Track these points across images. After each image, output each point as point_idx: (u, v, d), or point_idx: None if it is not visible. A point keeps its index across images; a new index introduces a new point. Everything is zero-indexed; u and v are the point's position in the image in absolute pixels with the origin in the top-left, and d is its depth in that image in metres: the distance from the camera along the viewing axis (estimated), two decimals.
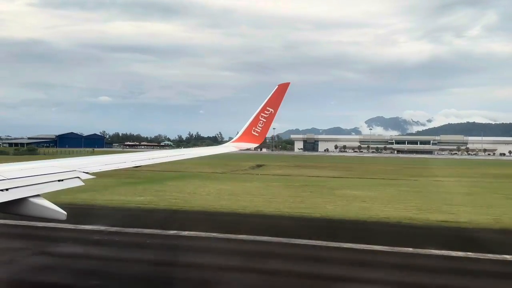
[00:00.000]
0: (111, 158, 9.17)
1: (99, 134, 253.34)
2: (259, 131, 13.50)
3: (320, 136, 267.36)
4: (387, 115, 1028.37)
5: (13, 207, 5.12)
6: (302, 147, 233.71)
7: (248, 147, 13.97)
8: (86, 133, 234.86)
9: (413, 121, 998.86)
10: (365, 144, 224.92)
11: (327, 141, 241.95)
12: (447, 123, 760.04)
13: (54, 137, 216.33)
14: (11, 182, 5.43)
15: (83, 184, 6.36)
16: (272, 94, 13.41)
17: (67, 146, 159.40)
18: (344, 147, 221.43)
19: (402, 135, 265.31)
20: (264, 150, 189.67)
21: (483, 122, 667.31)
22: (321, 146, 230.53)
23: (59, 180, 6.11)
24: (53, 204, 5.30)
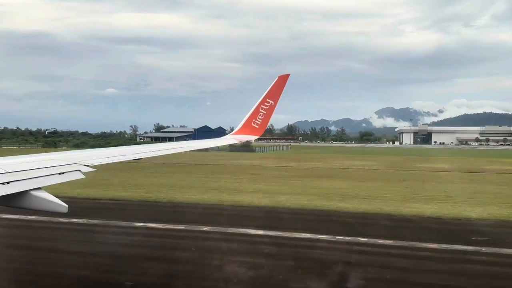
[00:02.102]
0: (111, 151, 9.16)
1: (222, 127, 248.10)
2: (259, 123, 13.46)
3: (434, 128, 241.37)
4: (397, 105, 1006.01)
5: (15, 200, 5.12)
6: (411, 139, 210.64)
7: (248, 139, 13.97)
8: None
9: (424, 112, 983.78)
10: (485, 136, 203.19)
11: (442, 133, 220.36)
12: (462, 114, 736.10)
13: (192, 130, 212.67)
14: (12, 175, 5.43)
15: (83, 177, 6.35)
16: (272, 86, 13.35)
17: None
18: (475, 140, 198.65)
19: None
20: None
21: (498, 112, 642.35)
22: (434, 139, 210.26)
23: (60, 173, 6.10)
24: (54, 197, 5.30)
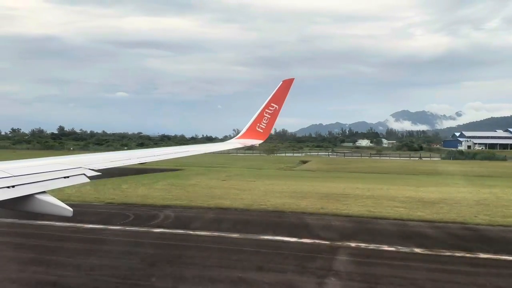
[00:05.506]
0: (115, 155, 9.13)
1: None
2: (263, 127, 13.46)
3: None
4: (411, 109, 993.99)
5: (20, 204, 5.10)
6: None
7: (253, 143, 13.94)
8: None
9: (441, 115, 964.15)
10: None
11: None
12: (488, 117, 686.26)
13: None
14: (17, 179, 5.41)
15: (88, 181, 6.33)
16: (277, 90, 13.35)
17: None
18: None
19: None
20: None
21: None
22: None
23: (65, 177, 6.08)
24: (59, 201, 5.27)
